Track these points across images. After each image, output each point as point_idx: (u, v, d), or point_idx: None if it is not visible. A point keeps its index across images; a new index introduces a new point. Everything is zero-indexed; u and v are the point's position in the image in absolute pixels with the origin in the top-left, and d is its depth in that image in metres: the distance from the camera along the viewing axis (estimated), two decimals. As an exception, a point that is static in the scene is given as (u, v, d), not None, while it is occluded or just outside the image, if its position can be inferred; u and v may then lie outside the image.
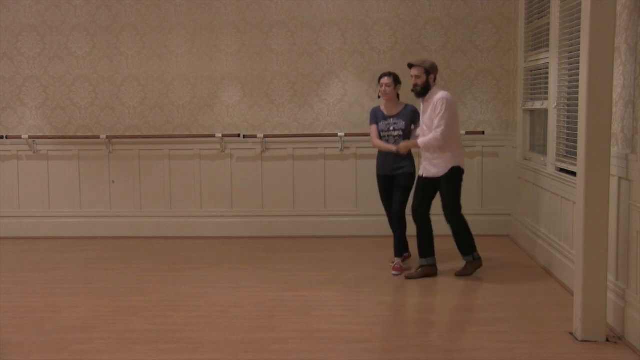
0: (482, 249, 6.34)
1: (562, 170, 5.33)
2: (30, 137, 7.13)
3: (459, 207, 5.37)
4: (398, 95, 5.58)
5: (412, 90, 5.29)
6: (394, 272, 5.48)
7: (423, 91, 5.22)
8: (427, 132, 5.22)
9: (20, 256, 6.47)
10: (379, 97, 5.61)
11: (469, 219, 6.87)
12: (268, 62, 6.98)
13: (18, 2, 7.08)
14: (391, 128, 5.47)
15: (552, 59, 5.48)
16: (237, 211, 7.13)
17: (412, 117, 5.48)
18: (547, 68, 5.65)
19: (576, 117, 4.41)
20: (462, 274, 5.36)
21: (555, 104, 5.41)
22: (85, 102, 7.15)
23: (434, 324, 4.36)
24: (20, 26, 7.11)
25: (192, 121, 7.09)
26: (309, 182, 7.05)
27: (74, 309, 4.76)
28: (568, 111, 5.23)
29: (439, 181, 5.28)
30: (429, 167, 5.29)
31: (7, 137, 7.15)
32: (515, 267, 5.74)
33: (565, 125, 5.27)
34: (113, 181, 7.19)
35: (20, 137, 7.13)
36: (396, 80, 5.49)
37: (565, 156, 5.26)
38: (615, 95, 4.03)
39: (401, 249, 5.60)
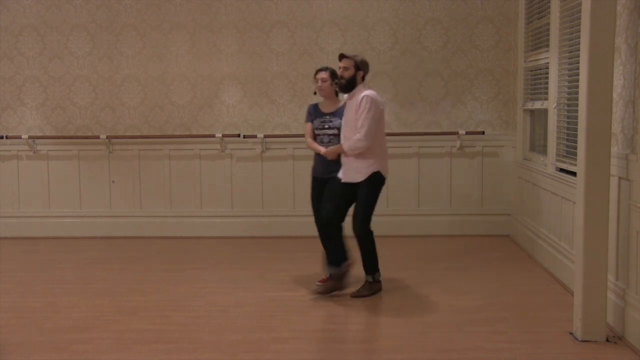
0: (482, 249, 6.37)
1: (562, 170, 5.33)
2: (30, 137, 7.13)
3: (369, 219, 4.87)
4: (337, 93, 5.11)
5: (336, 83, 4.93)
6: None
7: (347, 85, 4.81)
8: (349, 131, 4.80)
9: (20, 256, 6.47)
10: (315, 93, 5.19)
11: (469, 219, 6.94)
12: (268, 62, 6.98)
13: (18, 2, 7.08)
14: (326, 126, 5.06)
15: (552, 59, 5.49)
16: (237, 211, 7.12)
17: None
18: (547, 68, 5.65)
19: (576, 117, 4.41)
20: (358, 295, 4.91)
21: (555, 104, 5.41)
22: (85, 102, 7.15)
23: (434, 324, 4.36)
24: (20, 26, 7.11)
25: (192, 121, 7.09)
26: (308, 182, 7.01)
27: (74, 309, 4.76)
28: (568, 111, 5.23)
29: (357, 187, 4.83)
30: (348, 171, 4.85)
31: (7, 137, 7.15)
32: (515, 267, 5.74)
33: (565, 125, 5.27)
34: (113, 181, 7.19)
35: (20, 137, 7.13)
36: (333, 76, 5.04)
37: (565, 156, 5.26)
38: (615, 95, 4.03)
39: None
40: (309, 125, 5.18)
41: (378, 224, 6.78)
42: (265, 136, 6.97)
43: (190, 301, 4.90)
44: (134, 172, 7.18)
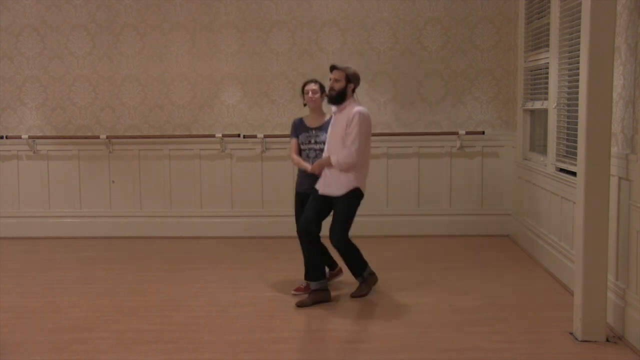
0: (482, 249, 6.37)
1: (562, 170, 5.33)
2: (30, 137, 7.13)
3: (347, 232, 4.85)
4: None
5: (327, 95, 4.85)
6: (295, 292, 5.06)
7: (338, 97, 4.75)
8: (335, 144, 4.77)
9: (20, 256, 6.47)
10: (305, 104, 5.15)
11: (469, 219, 6.94)
12: (268, 62, 6.98)
13: (18, 2, 7.08)
14: (312, 141, 4.99)
15: (552, 59, 5.49)
16: (237, 211, 7.12)
17: None
18: (547, 68, 5.65)
19: (576, 117, 4.41)
20: (357, 294, 4.95)
21: (555, 104, 5.41)
22: (85, 102, 7.15)
23: (434, 324, 4.36)
24: (20, 26, 7.11)
25: (192, 121, 7.09)
26: (309, 182, 7.03)
27: (74, 309, 4.76)
28: (568, 111, 5.23)
29: (335, 200, 4.82)
30: (327, 184, 4.82)
31: (7, 137, 7.15)
32: (515, 267, 5.74)
33: (565, 125, 5.27)
34: (113, 181, 7.19)
35: (20, 137, 7.13)
36: (322, 89, 5.04)
37: (565, 156, 5.26)
38: (615, 95, 4.03)
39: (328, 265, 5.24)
40: (295, 140, 5.08)
41: (378, 224, 6.84)
42: (265, 136, 6.97)
43: (190, 301, 4.90)
44: (134, 172, 7.18)
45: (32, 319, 4.55)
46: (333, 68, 4.83)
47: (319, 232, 4.85)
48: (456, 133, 6.82)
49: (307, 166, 4.90)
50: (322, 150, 4.94)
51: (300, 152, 5.07)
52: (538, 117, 6.30)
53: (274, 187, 7.06)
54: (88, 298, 5.01)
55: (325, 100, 4.95)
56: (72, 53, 7.12)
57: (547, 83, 5.68)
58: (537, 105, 6.02)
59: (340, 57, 6.88)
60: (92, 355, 3.91)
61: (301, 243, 4.88)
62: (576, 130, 4.27)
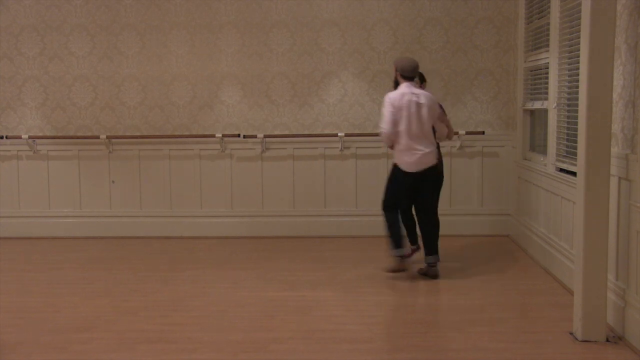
0: (482, 249, 6.36)
1: (562, 170, 5.33)
2: (30, 137, 7.13)
3: (384, 201, 5.49)
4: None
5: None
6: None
7: (395, 87, 5.40)
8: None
9: (20, 256, 6.47)
10: None
11: (470, 219, 6.94)
12: (268, 62, 6.98)
13: (18, 2, 7.08)
14: None
15: (552, 59, 5.49)
16: (237, 211, 7.12)
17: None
18: (547, 68, 5.65)
19: (576, 117, 4.41)
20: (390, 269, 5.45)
21: (555, 104, 5.41)
22: (85, 102, 7.15)
23: (434, 324, 4.36)
24: (20, 26, 7.11)
25: (192, 121, 7.09)
26: (309, 182, 7.05)
27: (74, 309, 4.76)
28: (568, 111, 5.23)
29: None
30: None
31: (7, 137, 7.15)
32: (515, 267, 5.74)
33: (565, 125, 5.27)
34: (113, 181, 7.19)
35: (20, 137, 7.13)
36: (421, 79, 5.58)
37: (565, 156, 5.26)
38: (615, 95, 4.02)
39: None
40: None
41: (378, 223, 6.80)
42: (265, 136, 6.97)
43: (190, 301, 4.90)
44: (134, 172, 7.18)
45: (32, 319, 4.55)
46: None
47: (403, 207, 5.57)
48: (456, 133, 6.81)
49: None
50: None
51: None
52: (538, 117, 6.30)
53: (274, 187, 7.06)
54: (88, 298, 5.01)
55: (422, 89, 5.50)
56: (72, 53, 7.12)
57: (547, 83, 5.68)
58: (537, 105, 6.02)
59: (341, 57, 6.89)
60: (92, 355, 3.91)
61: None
62: (576, 130, 4.27)
